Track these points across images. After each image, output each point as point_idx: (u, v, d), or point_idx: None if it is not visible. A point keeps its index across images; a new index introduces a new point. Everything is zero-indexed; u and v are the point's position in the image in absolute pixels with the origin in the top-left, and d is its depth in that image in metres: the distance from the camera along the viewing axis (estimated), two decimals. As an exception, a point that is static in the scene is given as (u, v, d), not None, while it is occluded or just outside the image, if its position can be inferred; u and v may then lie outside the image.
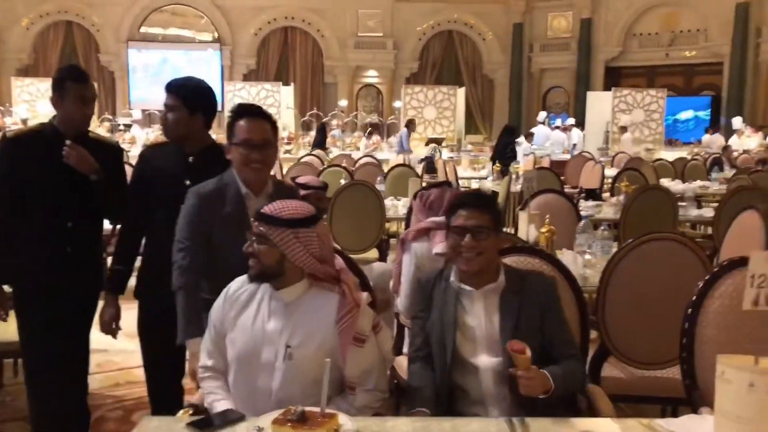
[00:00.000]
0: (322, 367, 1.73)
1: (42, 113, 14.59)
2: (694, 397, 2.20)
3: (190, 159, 2.64)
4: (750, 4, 17.89)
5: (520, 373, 1.92)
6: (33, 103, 14.73)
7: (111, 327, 2.78)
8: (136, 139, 13.72)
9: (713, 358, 2.10)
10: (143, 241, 2.78)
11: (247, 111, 2.41)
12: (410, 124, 13.80)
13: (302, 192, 3.55)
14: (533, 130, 14.02)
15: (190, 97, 2.60)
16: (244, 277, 2.04)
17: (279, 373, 1.90)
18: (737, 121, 15.33)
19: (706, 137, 15.47)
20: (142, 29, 21.06)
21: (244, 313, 1.98)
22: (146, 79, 20.92)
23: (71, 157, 2.66)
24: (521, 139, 12.60)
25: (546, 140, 14.46)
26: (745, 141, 14.13)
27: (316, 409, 1.67)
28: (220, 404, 1.94)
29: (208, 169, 2.54)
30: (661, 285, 2.87)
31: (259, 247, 1.92)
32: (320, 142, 13.48)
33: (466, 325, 2.14)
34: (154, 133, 14.64)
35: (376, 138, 15.25)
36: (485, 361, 2.10)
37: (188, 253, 2.35)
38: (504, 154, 9.97)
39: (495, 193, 3.10)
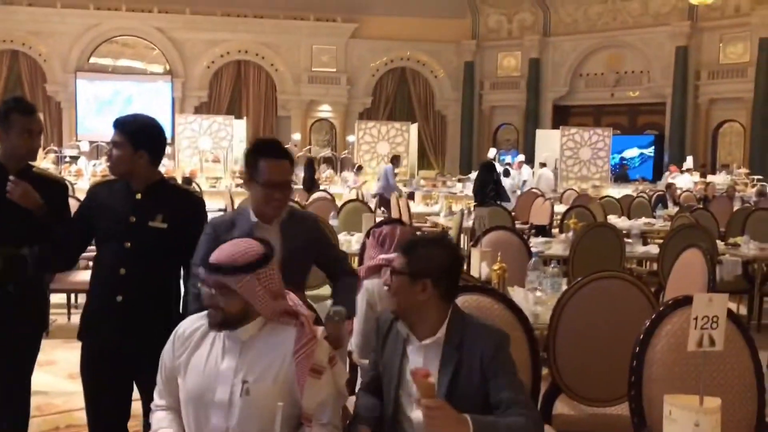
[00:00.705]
0: (284, 408, 1.70)
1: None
2: (642, 434, 2.23)
3: (138, 196, 2.58)
4: (689, 48, 18.73)
5: (423, 402, 1.76)
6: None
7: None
8: (83, 172, 13.41)
9: (660, 396, 2.14)
10: (89, 279, 2.69)
11: (271, 151, 2.47)
12: (395, 160, 12.91)
13: None
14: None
15: (135, 134, 2.56)
16: (195, 317, 2.01)
17: (236, 410, 1.86)
18: (689, 161, 15.86)
19: (668, 174, 15.88)
20: (92, 60, 20.79)
21: (197, 353, 1.94)
22: (95, 110, 20.58)
23: (15, 192, 2.60)
24: (513, 172, 12.53)
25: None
26: (688, 179, 14.61)
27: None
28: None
29: (156, 205, 2.54)
30: (609, 322, 2.92)
31: (221, 298, 1.87)
32: (310, 180, 11.97)
33: (406, 378, 2.04)
34: (101, 166, 14.34)
35: (329, 172, 15.26)
36: (419, 416, 1.89)
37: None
38: (484, 192, 9.58)
39: (442, 234, 3.05)
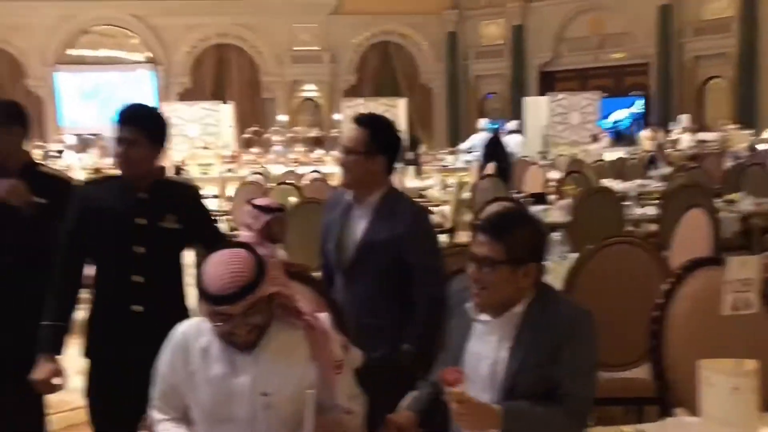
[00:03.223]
0: (304, 407, 1.67)
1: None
2: (666, 397, 2.25)
3: (141, 195, 2.38)
4: (671, 6, 18.63)
5: (452, 406, 1.71)
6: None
7: (50, 385, 2.36)
8: (72, 166, 13.27)
9: (682, 359, 2.16)
10: (88, 292, 2.49)
11: (354, 118, 2.51)
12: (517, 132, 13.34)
13: (265, 216, 3.47)
14: (474, 136, 14.18)
15: (152, 130, 2.36)
16: (191, 326, 1.87)
17: (260, 425, 1.77)
18: (683, 119, 15.81)
19: (643, 133, 15.92)
20: (71, 51, 20.45)
21: (203, 369, 1.80)
22: (78, 102, 20.32)
23: (1, 190, 2.57)
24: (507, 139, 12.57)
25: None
26: (688, 138, 14.57)
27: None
28: None
29: (164, 204, 2.38)
30: (622, 288, 2.94)
31: (255, 318, 1.73)
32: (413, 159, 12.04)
33: (465, 359, 1.92)
34: (91, 159, 14.20)
35: (319, 152, 15.17)
36: (485, 399, 1.83)
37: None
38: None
39: (518, 207, 2.82)
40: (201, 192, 2.66)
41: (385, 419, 1.94)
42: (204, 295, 1.72)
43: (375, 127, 2.48)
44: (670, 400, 2.21)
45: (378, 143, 2.46)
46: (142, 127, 2.33)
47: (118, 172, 2.45)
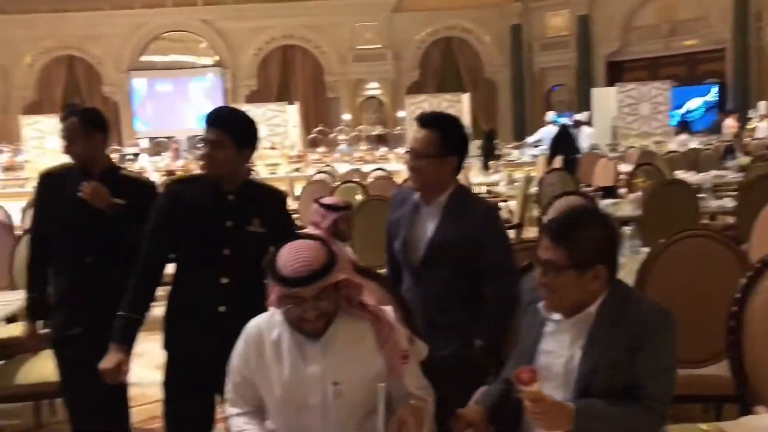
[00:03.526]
0: (374, 397, 1.70)
1: (51, 150, 14.68)
2: (745, 394, 2.18)
3: (230, 197, 2.39)
4: (748, -12, 17.86)
5: (526, 404, 1.71)
6: (41, 140, 14.81)
7: (116, 375, 2.42)
8: (146, 169, 13.77)
9: (762, 355, 2.09)
10: (165, 289, 2.53)
11: (419, 119, 2.47)
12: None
13: (333, 215, 3.53)
14: (541, 130, 13.95)
15: (239, 132, 2.36)
16: (262, 320, 1.94)
17: (332, 413, 1.83)
18: (763, 106, 15.11)
19: (727, 121, 15.27)
20: (143, 58, 21.22)
21: (276, 360, 1.87)
22: (150, 107, 21.06)
23: (85, 191, 2.71)
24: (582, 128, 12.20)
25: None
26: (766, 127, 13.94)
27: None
28: None
29: (250, 208, 2.39)
30: (697, 282, 2.84)
31: (324, 304, 1.80)
32: (489, 152, 11.93)
33: (537, 359, 1.90)
34: (164, 161, 14.69)
35: (383, 150, 15.25)
36: (558, 398, 1.80)
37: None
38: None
39: (585, 206, 2.66)
40: (284, 199, 2.63)
41: (455, 413, 1.95)
42: (278, 278, 1.79)
43: (445, 127, 2.44)
44: (749, 397, 2.14)
45: (449, 144, 2.43)
46: (227, 128, 2.34)
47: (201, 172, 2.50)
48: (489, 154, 11.02)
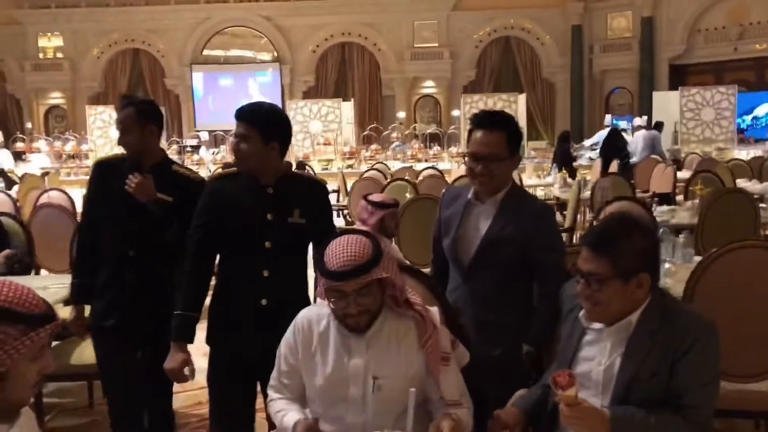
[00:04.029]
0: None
1: (114, 139, 15.18)
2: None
3: (270, 191, 2.41)
4: (823, -8, 17.13)
5: (561, 408, 1.72)
6: (106, 130, 15.32)
7: (181, 375, 2.47)
8: (205, 161, 14.11)
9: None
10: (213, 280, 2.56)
11: (479, 121, 2.43)
12: (659, 126, 12.73)
13: (380, 212, 3.56)
14: (600, 133, 13.68)
15: (265, 126, 2.37)
16: (312, 312, 1.99)
17: (369, 406, 1.87)
18: None
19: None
20: (205, 52, 21.68)
21: (321, 351, 1.92)
22: (210, 100, 21.51)
23: (131, 183, 2.70)
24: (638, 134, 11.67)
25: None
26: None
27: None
28: (287, 417, 1.91)
29: (290, 199, 2.40)
30: (749, 294, 2.75)
31: (366, 299, 1.83)
32: (563, 158, 10.93)
33: (577, 367, 1.88)
34: (220, 154, 15.00)
35: (437, 148, 15.21)
36: (597, 405, 1.79)
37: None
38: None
39: (623, 215, 2.63)
40: (326, 190, 2.62)
41: (493, 414, 1.96)
42: (323, 271, 1.84)
43: (509, 127, 2.43)
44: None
45: (515, 143, 2.43)
46: (254, 123, 2.36)
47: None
48: (565, 159, 10.45)
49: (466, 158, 2.46)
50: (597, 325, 1.87)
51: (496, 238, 2.41)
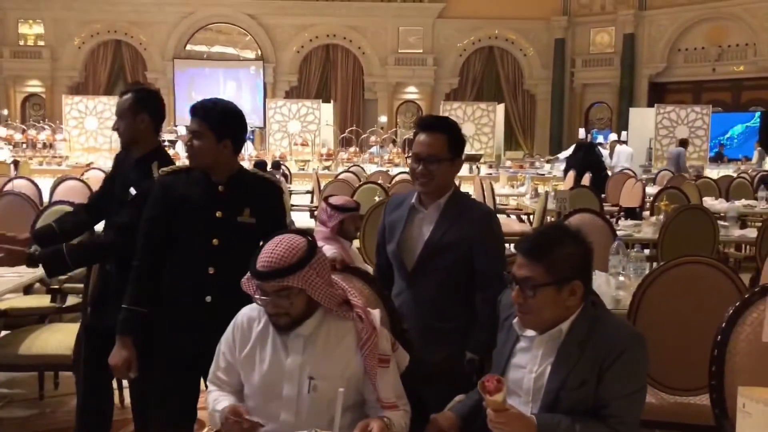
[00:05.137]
0: (348, 397, 1.73)
1: (90, 130, 15.01)
2: (724, 426, 2.14)
3: (220, 188, 2.40)
4: (800, 17, 17.47)
5: (488, 413, 1.71)
6: (81, 121, 15.16)
7: (126, 372, 2.43)
8: (180, 156, 13.99)
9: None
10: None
11: (423, 123, 2.45)
12: (684, 143, 13.56)
13: (339, 215, 3.57)
14: (575, 146, 13.78)
15: (218, 123, 2.36)
16: (253, 310, 1.98)
17: (304, 406, 1.87)
18: None
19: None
20: (188, 47, 21.57)
21: (259, 348, 1.92)
22: (191, 96, 21.38)
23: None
24: (604, 152, 11.90)
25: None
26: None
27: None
28: (220, 404, 1.91)
29: (241, 198, 2.39)
30: (695, 309, 2.81)
31: (284, 301, 1.83)
32: (582, 162, 10.04)
33: (509, 373, 1.91)
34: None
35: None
36: (525, 411, 1.81)
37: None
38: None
39: (557, 223, 2.70)
40: (279, 190, 2.59)
41: (429, 418, 1.97)
42: (250, 266, 1.86)
43: (452, 130, 2.45)
44: (728, 429, 2.11)
45: (458, 146, 2.44)
46: (208, 120, 2.36)
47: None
48: (586, 168, 9.67)
49: (409, 160, 2.48)
50: (530, 333, 1.89)
51: (438, 244, 2.42)
